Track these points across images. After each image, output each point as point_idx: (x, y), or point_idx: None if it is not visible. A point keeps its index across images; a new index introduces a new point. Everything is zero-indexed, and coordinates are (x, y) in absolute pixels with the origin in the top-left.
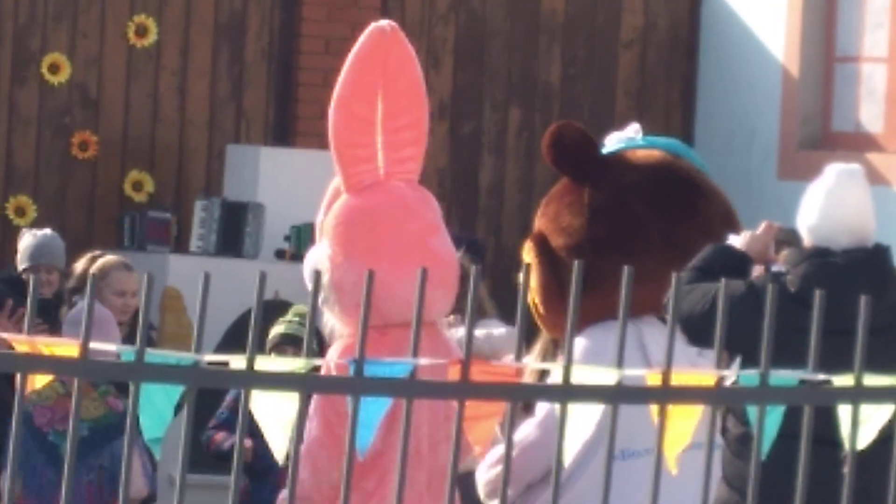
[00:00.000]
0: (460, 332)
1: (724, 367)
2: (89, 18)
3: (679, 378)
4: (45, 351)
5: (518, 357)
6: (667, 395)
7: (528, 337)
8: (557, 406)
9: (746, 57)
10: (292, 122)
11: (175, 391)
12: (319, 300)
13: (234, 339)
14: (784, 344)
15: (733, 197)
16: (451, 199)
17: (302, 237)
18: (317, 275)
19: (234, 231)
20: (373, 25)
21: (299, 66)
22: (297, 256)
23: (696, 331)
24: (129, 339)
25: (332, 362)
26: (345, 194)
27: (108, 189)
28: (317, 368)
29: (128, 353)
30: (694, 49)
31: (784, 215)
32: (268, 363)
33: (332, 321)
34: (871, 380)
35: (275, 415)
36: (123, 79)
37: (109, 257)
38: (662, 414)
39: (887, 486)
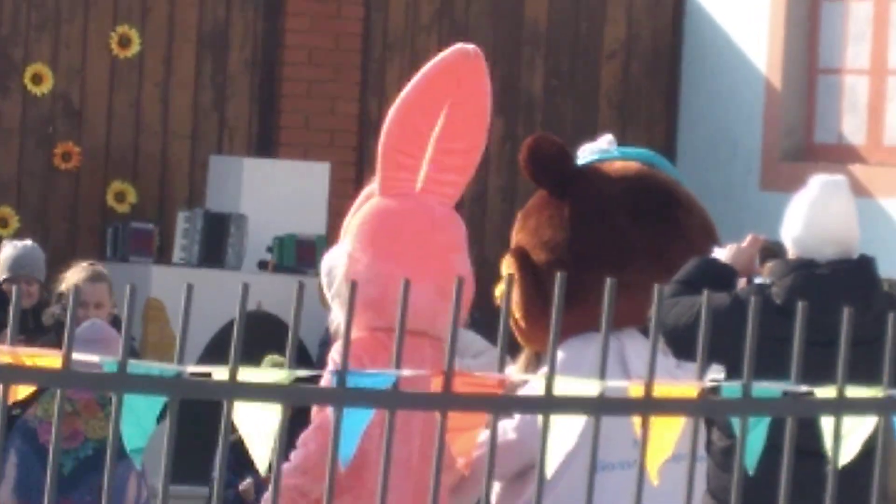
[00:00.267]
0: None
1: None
2: (72, 29)
3: (661, 390)
4: (28, 362)
5: (500, 368)
6: (650, 406)
7: (510, 351)
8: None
9: (729, 68)
10: (275, 133)
11: (157, 402)
12: (329, 296)
13: (216, 351)
14: (772, 356)
15: (716, 208)
16: None
17: (285, 248)
18: (352, 286)
19: (217, 242)
20: (458, 45)
21: (283, 76)
22: (280, 267)
23: (682, 343)
24: None
25: (332, 361)
26: (377, 196)
27: (91, 200)
28: (300, 380)
29: (110, 363)
30: (677, 60)
31: (767, 227)
32: (250, 374)
33: (340, 317)
34: (855, 391)
35: (257, 426)
36: (106, 89)
37: (77, 268)
38: (645, 425)
39: (870, 497)
